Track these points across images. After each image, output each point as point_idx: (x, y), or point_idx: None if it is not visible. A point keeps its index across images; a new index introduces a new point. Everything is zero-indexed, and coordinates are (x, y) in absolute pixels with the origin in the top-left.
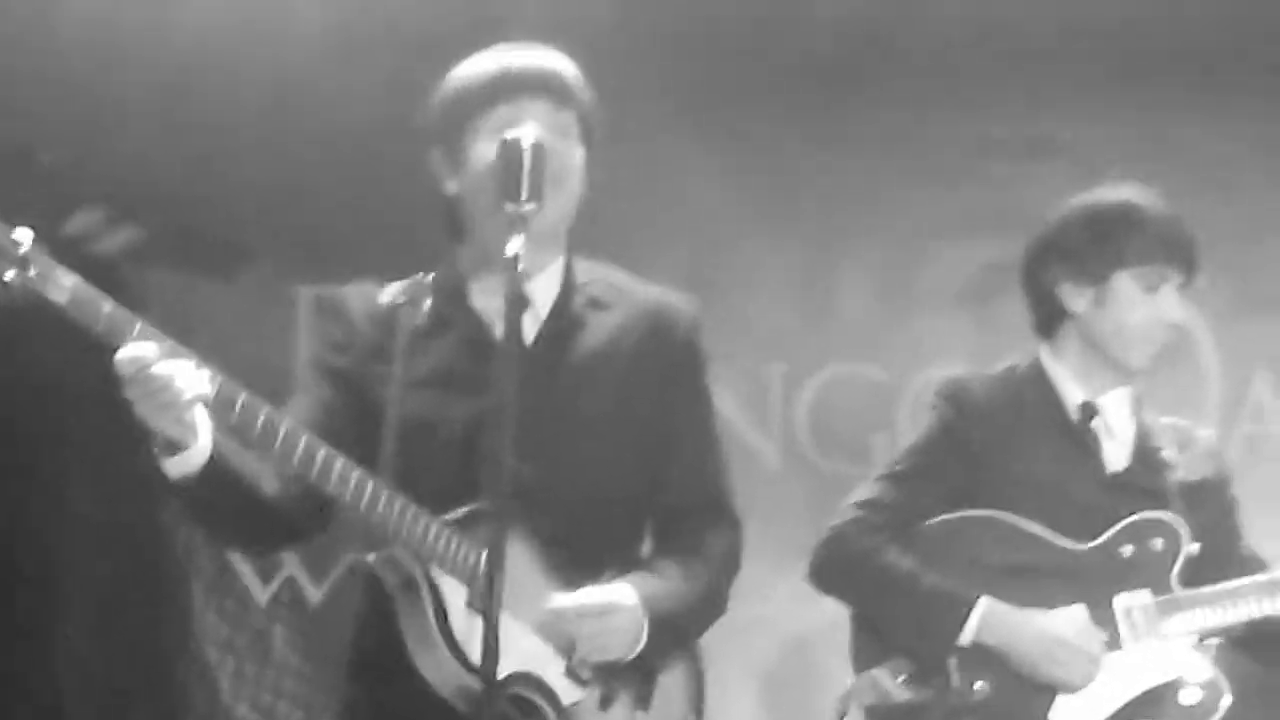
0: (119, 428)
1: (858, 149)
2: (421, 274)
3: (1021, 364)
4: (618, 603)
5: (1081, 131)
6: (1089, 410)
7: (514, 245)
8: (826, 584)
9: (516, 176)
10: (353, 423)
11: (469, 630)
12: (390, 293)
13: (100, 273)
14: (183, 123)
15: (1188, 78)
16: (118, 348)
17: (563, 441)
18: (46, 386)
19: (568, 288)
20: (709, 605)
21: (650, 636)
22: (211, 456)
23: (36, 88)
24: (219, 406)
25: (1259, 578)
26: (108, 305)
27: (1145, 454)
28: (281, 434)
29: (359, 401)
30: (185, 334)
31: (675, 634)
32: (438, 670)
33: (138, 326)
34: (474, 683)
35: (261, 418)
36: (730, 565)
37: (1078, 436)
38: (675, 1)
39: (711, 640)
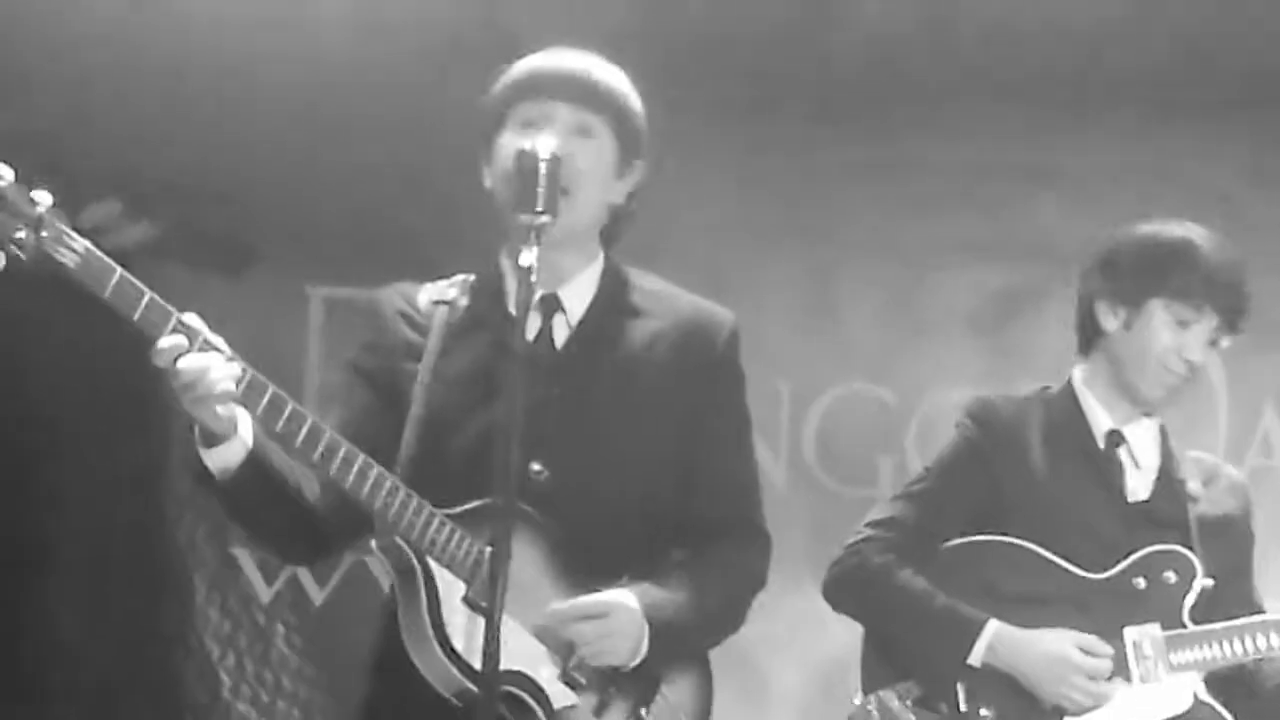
0: (123, 415)
1: (863, 174)
2: (465, 275)
3: (1055, 386)
4: (617, 607)
5: (1083, 160)
6: (1115, 438)
7: (527, 257)
8: (840, 601)
9: (531, 188)
10: (385, 422)
11: (461, 624)
12: (430, 292)
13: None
14: (197, 118)
15: (1190, 108)
16: (146, 334)
17: (586, 446)
18: (50, 369)
19: (603, 293)
20: (720, 619)
21: (651, 645)
22: (252, 452)
23: (52, 78)
24: (248, 396)
25: (1267, 616)
26: (117, 274)
27: (1169, 486)
28: (286, 413)
29: (389, 400)
30: None
31: (678, 644)
32: (427, 662)
33: (154, 308)
34: (460, 676)
35: (288, 409)
36: (751, 581)
37: (1102, 464)
38: (692, 22)
39: (717, 658)
